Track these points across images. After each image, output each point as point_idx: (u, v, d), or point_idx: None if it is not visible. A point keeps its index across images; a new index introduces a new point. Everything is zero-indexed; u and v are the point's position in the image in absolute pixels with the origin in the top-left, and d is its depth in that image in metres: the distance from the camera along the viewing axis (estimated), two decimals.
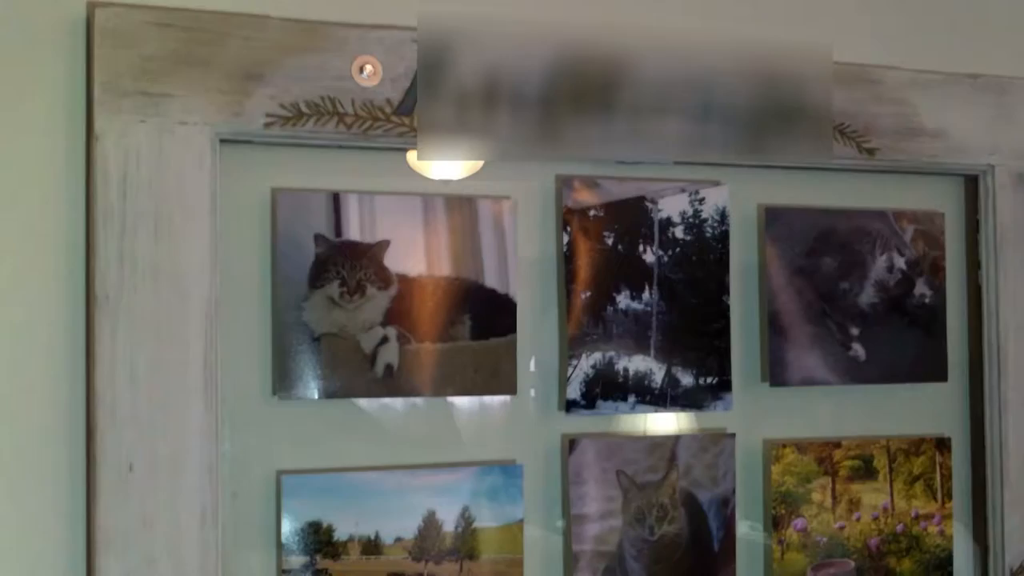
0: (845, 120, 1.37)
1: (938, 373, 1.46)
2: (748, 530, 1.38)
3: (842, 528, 1.40)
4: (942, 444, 1.46)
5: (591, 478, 1.29)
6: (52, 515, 1.11)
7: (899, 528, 1.43)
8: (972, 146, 1.45)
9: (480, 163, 1.27)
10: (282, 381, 1.18)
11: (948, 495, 1.46)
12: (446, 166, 1.26)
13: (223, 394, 1.15)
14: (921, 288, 1.44)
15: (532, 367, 1.29)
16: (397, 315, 1.21)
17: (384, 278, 1.21)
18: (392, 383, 1.21)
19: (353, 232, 1.21)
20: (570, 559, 1.29)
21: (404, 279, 1.22)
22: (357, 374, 1.20)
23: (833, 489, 1.40)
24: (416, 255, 1.23)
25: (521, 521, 1.26)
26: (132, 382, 1.10)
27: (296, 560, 1.18)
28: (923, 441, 1.45)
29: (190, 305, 1.12)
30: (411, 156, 1.24)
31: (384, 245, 1.21)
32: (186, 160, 1.13)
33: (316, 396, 1.19)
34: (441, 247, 1.24)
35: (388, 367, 1.21)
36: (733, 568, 1.35)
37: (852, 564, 1.40)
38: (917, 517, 1.44)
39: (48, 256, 1.12)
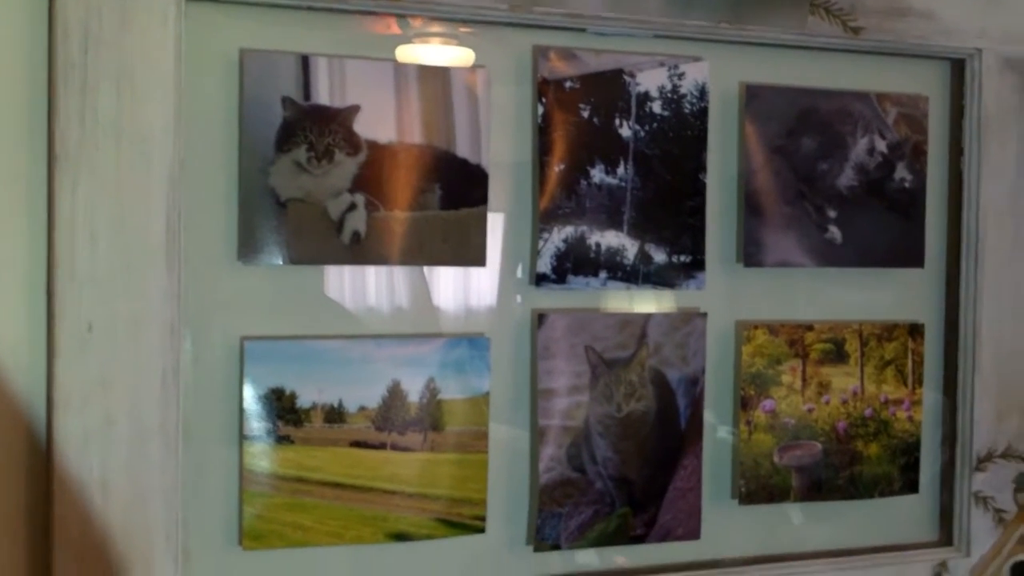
0: None
1: (915, 259, 1.44)
2: (715, 417, 1.38)
3: (811, 411, 1.40)
4: (915, 330, 1.45)
5: (559, 353, 1.28)
6: (12, 374, 1.10)
7: (868, 412, 1.43)
8: (960, 29, 1.42)
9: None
10: (247, 246, 1.17)
11: (919, 381, 1.45)
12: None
13: (186, 257, 1.14)
14: (901, 172, 1.42)
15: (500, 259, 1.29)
16: (366, 182, 1.19)
17: (353, 144, 1.19)
18: (359, 251, 1.19)
19: (322, 96, 1.18)
20: (536, 433, 1.28)
21: (373, 146, 1.20)
22: (324, 241, 1.18)
23: (803, 372, 1.40)
24: (386, 122, 1.20)
25: (487, 394, 1.25)
26: (92, 242, 1.08)
27: (258, 426, 1.18)
28: (896, 327, 1.44)
29: (153, 165, 1.10)
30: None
31: (354, 110, 1.19)
32: (150, 16, 1.10)
33: (281, 262, 1.18)
34: (412, 115, 1.21)
35: (355, 234, 1.19)
36: (699, 447, 1.35)
37: (819, 446, 1.40)
38: (886, 402, 1.44)
39: (8, 112, 1.09)
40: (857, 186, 1.40)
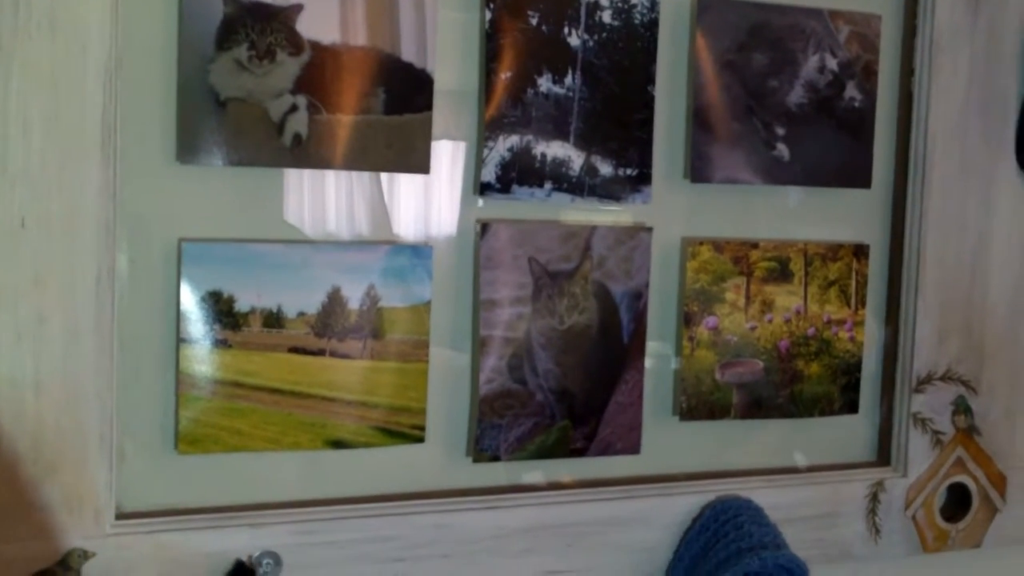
0: None
1: (862, 179, 1.44)
2: (658, 333, 1.37)
3: (753, 328, 1.40)
4: (860, 251, 1.45)
5: (502, 264, 1.27)
6: None
7: (810, 332, 1.43)
8: None
9: None
10: (185, 146, 1.14)
11: (862, 302, 1.46)
12: None
13: (123, 156, 1.11)
14: (851, 91, 1.41)
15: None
16: (308, 83, 1.17)
17: (295, 44, 1.16)
18: (301, 154, 1.17)
19: None
20: (477, 344, 1.28)
21: (317, 46, 1.17)
22: (264, 143, 1.16)
23: (747, 289, 1.40)
24: (330, 22, 1.18)
25: (428, 303, 1.24)
26: (25, 135, 1.06)
27: (195, 330, 1.16)
28: (841, 247, 1.44)
29: (89, 59, 1.08)
30: None
31: (297, 9, 1.16)
32: None
33: (221, 163, 1.15)
34: (357, 16, 1.19)
35: (296, 137, 1.17)
36: (642, 362, 1.35)
37: (761, 364, 1.40)
38: (829, 322, 1.44)
39: None
40: (806, 104, 1.39)
